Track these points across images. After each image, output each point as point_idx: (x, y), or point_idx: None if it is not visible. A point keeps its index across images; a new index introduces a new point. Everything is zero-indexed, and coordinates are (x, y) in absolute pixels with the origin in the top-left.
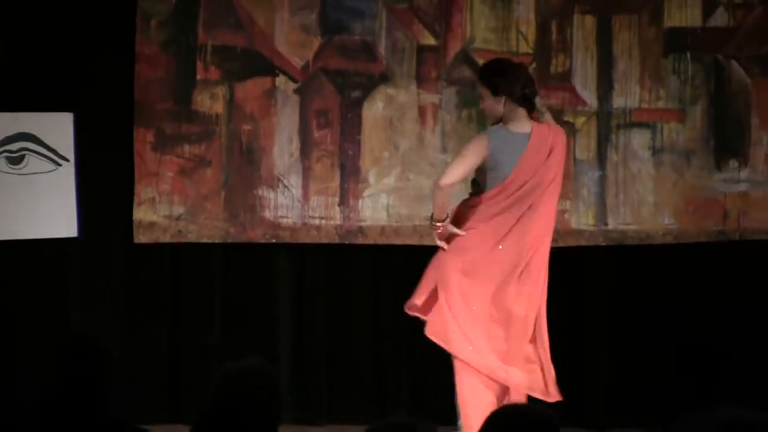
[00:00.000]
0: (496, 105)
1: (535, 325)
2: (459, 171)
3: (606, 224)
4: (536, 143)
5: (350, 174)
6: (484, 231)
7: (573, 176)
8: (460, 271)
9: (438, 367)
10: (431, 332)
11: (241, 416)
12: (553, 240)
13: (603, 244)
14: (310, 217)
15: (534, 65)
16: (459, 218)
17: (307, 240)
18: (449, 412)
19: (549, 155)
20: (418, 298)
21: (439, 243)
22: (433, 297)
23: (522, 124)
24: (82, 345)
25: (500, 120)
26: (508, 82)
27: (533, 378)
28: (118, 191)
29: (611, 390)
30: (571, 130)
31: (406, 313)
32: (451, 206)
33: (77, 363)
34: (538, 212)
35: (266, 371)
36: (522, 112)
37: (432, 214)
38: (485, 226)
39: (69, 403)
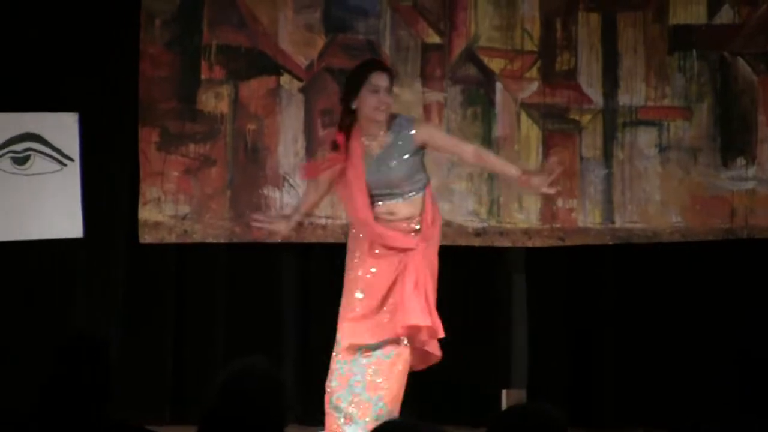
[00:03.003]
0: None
1: None
2: None
3: (613, 222)
4: None
5: None
6: None
7: (579, 174)
8: None
9: (443, 366)
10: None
11: (246, 416)
12: (560, 239)
13: (610, 242)
14: (315, 216)
15: (539, 63)
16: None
17: (313, 239)
18: (456, 412)
19: None
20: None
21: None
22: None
23: None
24: (83, 344)
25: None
26: None
27: None
28: (123, 191)
29: (618, 390)
30: (576, 127)
31: None
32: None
33: (78, 362)
34: None
35: (271, 371)
36: None
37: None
38: None
39: (71, 402)
